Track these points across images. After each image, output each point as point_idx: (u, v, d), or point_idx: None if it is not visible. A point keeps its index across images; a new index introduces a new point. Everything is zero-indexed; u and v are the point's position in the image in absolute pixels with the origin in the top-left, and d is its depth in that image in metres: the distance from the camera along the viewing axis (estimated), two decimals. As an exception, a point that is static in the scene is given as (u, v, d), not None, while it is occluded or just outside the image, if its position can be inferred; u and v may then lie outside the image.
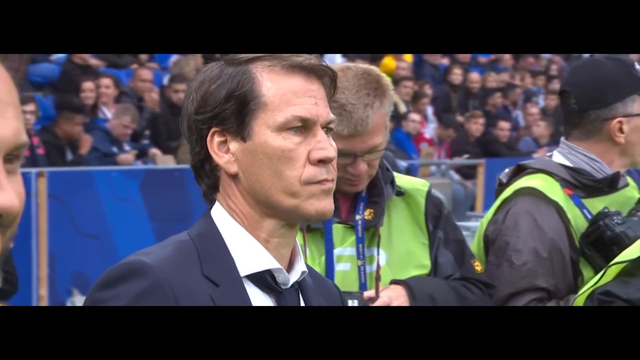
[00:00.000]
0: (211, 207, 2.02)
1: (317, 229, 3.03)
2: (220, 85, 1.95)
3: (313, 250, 3.03)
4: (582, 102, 3.29)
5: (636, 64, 3.38)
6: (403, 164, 10.39)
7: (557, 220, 3.23)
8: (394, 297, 2.99)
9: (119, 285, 1.87)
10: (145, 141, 11.40)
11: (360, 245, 3.06)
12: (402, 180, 3.20)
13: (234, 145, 1.96)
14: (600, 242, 3.18)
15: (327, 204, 1.95)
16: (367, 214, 3.07)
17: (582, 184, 3.30)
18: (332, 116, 1.98)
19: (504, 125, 14.31)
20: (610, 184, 3.32)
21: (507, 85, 16.03)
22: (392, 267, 3.08)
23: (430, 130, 14.08)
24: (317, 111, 1.94)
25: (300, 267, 2.01)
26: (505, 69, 17.07)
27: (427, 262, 3.13)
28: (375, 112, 2.95)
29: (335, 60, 14.77)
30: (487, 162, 12.63)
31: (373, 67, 3.10)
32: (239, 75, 1.95)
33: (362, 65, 3.12)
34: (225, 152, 1.97)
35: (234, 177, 1.98)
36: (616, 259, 2.43)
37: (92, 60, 12.54)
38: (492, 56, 17.22)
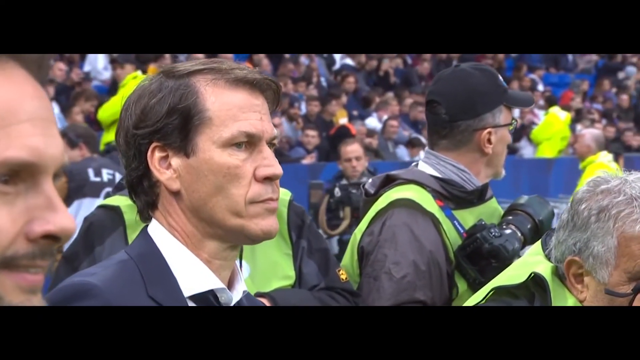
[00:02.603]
0: (147, 226, 1.95)
1: None
2: (162, 99, 1.89)
3: None
4: (453, 112, 3.29)
5: (499, 75, 3.43)
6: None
7: (434, 232, 3.22)
8: None
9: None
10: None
11: None
12: None
13: (176, 161, 1.89)
14: (477, 254, 3.19)
15: (272, 223, 1.90)
16: None
17: (452, 195, 3.30)
18: (276, 132, 1.94)
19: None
20: (479, 196, 3.35)
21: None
22: (256, 279, 3.02)
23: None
24: (262, 126, 1.89)
25: (241, 287, 1.96)
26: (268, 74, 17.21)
27: (292, 272, 3.09)
28: None
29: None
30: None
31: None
32: (181, 89, 1.89)
33: None
34: (166, 168, 1.90)
35: (176, 194, 1.91)
36: (500, 282, 2.44)
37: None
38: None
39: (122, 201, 3.02)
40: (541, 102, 19.00)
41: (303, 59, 18.46)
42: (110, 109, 10.66)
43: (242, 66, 1.93)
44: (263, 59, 17.45)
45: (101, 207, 3.12)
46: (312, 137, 14.71)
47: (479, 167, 3.34)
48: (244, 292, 1.97)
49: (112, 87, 12.73)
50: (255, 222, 1.88)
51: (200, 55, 15.18)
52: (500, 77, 3.40)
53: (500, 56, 21.49)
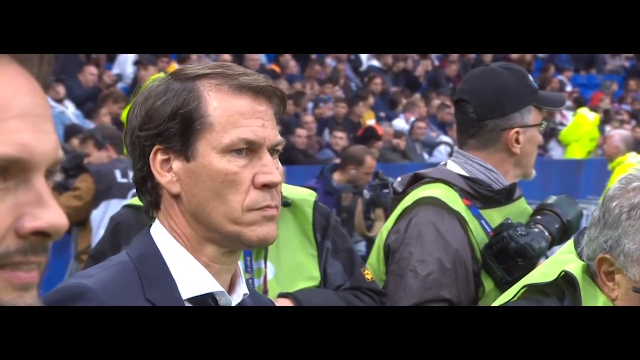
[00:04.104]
0: (151, 225, 1.96)
1: None
2: (166, 101, 1.89)
3: None
4: (481, 111, 3.28)
5: (529, 75, 3.42)
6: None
7: (459, 230, 3.21)
8: None
9: None
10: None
11: (248, 258, 3.00)
12: (288, 190, 3.13)
13: (177, 165, 1.90)
14: (504, 253, 3.18)
15: (269, 230, 1.89)
16: None
17: (479, 194, 3.29)
18: (279, 138, 1.93)
19: (300, 132, 14.41)
20: (507, 195, 3.34)
21: (298, 92, 16.19)
22: (280, 279, 3.02)
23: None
24: (263, 133, 1.88)
25: (242, 290, 1.96)
26: (295, 76, 17.24)
27: (317, 273, 3.08)
28: None
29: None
30: (287, 169, 12.68)
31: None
32: (185, 93, 1.89)
33: None
34: (167, 171, 1.91)
35: (176, 197, 1.91)
36: (532, 280, 2.43)
37: None
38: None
39: None
40: (569, 103, 18.92)
41: (330, 60, 18.47)
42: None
43: (249, 72, 1.93)
44: (290, 61, 17.47)
45: (127, 206, 3.14)
46: (340, 138, 14.69)
47: (507, 167, 3.33)
48: (244, 294, 1.96)
49: (132, 89, 12.74)
50: (251, 229, 1.87)
51: (227, 56, 15.29)
52: (531, 78, 3.39)
53: (529, 57, 21.41)
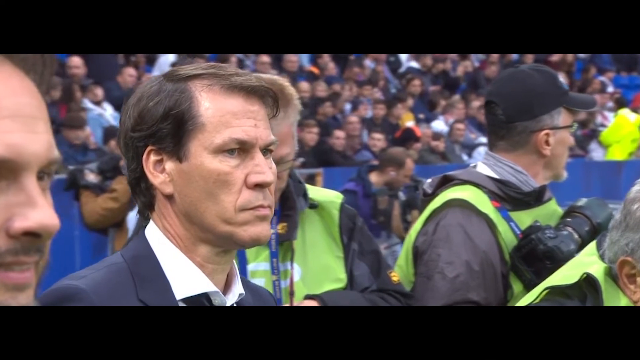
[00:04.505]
0: (145, 226, 1.97)
1: None
2: (158, 102, 1.89)
3: None
4: (510, 113, 3.27)
5: (559, 76, 3.40)
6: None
7: (488, 233, 3.21)
8: None
9: None
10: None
11: (274, 260, 3.00)
12: (315, 192, 3.14)
13: (169, 165, 1.90)
14: (532, 255, 3.17)
15: (262, 230, 1.89)
16: (280, 227, 3.01)
17: (509, 197, 3.28)
18: (272, 138, 1.92)
19: (338, 133, 14.41)
20: (537, 197, 3.33)
21: (335, 94, 16.20)
22: (307, 281, 3.03)
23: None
24: (256, 133, 1.89)
25: (237, 289, 1.96)
26: (333, 78, 17.25)
27: (343, 275, 3.09)
28: (280, 123, 2.88)
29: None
30: (325, 171, 12.68)
31: (277, 77, 3.03)
32: (177, 94, 1.89)
33: (265, 75, 3.04)
34: (160, 172, 1.91)
35: (169, 197, 1.91)
36: (554, 282, 2.42)
37: None
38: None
39: None
40: (610, 104, 18.76)
41: (368, 62, 18.46)
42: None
43: (241, 72, 1.93)
44: (329, 62, 17.48)
45: None
46: (378, 140, 14.67)
47: (537, 169, 3.32)
48: (240, 294, 1.96)
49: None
50: (244, 229, 1.87)
51: (266, 57, 15.34)
52: (561, 79, 3.37)
53: (570, 58, 21.27)
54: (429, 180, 3.45)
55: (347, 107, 16.21)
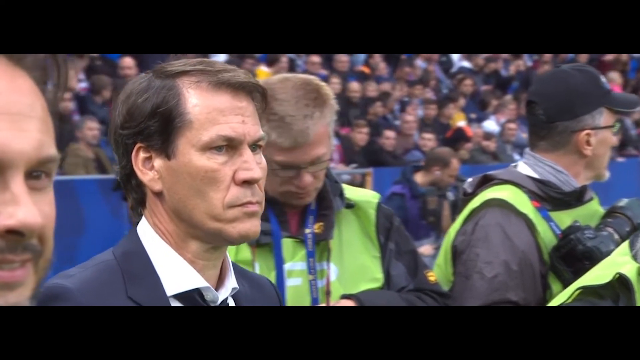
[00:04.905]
0: (137, 223, 1.97)
1: (266, 244, 2.96)
2: (146, 99, 1.89)
3: (262, 266, 2.96)
4: (551, 113, 3.26)
5: (602, 76, 3.38)
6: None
7: (527, 233, 3.20)
8: None
9: None
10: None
11: (311, 260, 3.01)
12: (351, 192, 3.14)
13: (158, 163, 1.90)
14: (571, 256, 3.15)
15: (250, 226, 1.89)
16: (317, 227, 3.02)
17: (549, 197, 3.27)
18: (261, 133, 1.92)
19: (388, 134, 14.40)
20: (578, 197, 3.31)
21: (385, 94, 16.19)
22: (344, 281, 3.03)
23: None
24: (243, 130, 1.88)
25: (230, 284, 1.95)
26: (384, 78, 17.25)
27: (380, 275, 3.09)
28: (316, 123, 2.89)
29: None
30: (375, 171, 12.69)
31: (313, 77, 3.04)
32: (164, 91, 1.89)
33: (301, 75, 3.06)
34: (149, 169, 1.91)
35: (159, 194, 1.92)
36: (586, 282, 2.41)
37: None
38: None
39: None
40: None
41: (420, 62, 18.42)
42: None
43: (230, 68, 1.92)
44: (380, 63, 17.47)
45: None
46: (428, 140, 14.65)
47: (578, 169, 3.30)
48: (233, 289, 1.96)
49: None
50: (233, 225, 1.87)
51: (316, 58, 15.36)
52: (603, 79, 3.35)
53: (625, 57, 21.06)
54: (470, 180, 3.45)
55: (397, 107, 16.18)
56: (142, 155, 1.90)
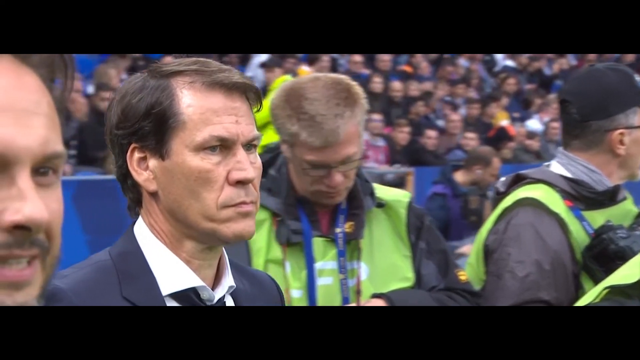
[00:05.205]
0: (134, 222, 1.98)
1: (297, 243, 2.97)
2: (141, 99, 1.90)
3: (293, 265, 2.98)
4: (584, 112, 3.25)
5: (636, 75, 3.36)
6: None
7: (559, 232, 3.19)
8: None
9: None
10: (72, 151, 11.17)
11: (342, 259, 3.02)
12: (382, 191, 3.15)
13: (152, 163, 1.91)
14: (604, 255, 3.14)
15: (245, 226, 1.90)
16: (348, 226, 3.03)
17: (582, 196, 3.26)
18: (255, 133, 1.92)
19: (430, 133, 14.37)
20: (611, 197, 3.30)
21: (427, 93, 16.16)
22: (374, 280, 3.04)
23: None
24: (237, 130, 1.89)
25: (227, 282, 1.96)
26: (426, 77, 17.22)
27: (410, 274, 3.10)
28: (347, 122, 2.90)
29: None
30: (416, 170, 12.67)
31: (344, 77, 3.05)
32: (158, 91, 1.90)
33: (332, 75, 3.07)
34: (144, 169, 1.92)
35: (154, 194, 1.93)
36: (613, 281, 2.40)
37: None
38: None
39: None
40: None
41: (463, 61, 18.35)
42: (260, 112, 10.81)
43: (224, 68, 1.93)
44: (422, 62, 17.43)
45: None
46: (471, 139, 14.59)
47: (612, 168, 3.29)
48: (230, 287, 1.96)
49: (262, 92, 12.82)
50: (227, 225, 1.88)
51: (358, 57, 15.33)
52: (638, 78, 3.33)
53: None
54: (502, 179, 3.45)
55: (439, 106, 16.14)
56: (136, 155, 1.92)
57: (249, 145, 1.92)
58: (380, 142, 13.89)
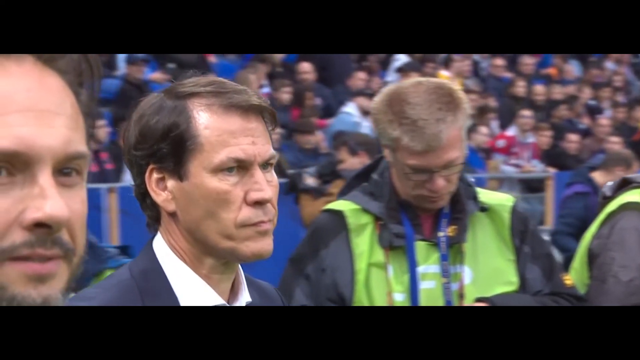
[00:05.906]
0: (153, 238, 2.01)
1: (400, 247, 3.00)
2: (158, 121, 1.93)
3: (396, 269, 3.00)
4: None
5: None
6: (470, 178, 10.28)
7: None
8: None
9: None
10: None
11: (445, 263, 3.03)
12: (486, 195, 3.15)
13: (171, 184, 1.93)
14: None
15: (263, 245, 1.92)
16: (450, 230, 3.03)
17: (690, 200, 3.20)
18: (271, 152, 1.94)
19: (572, 137, 14.13)
20: None
21: (572, 97, 15.88)
22: (478, 284, 3.04)
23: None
24: (254, 150, 1.91)
25: (244, 298, 1.99)
26: (570, 80, 16.91)
27: (514, 278, 3.08)
28: (449, 127, 2.90)
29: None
30: (556, 175, 12.48)
31: (446, 81, 3.05)
32: (175, 113, 1.92)
33: (434, 79, 3.08)
34: (162, 190, 1.95)
35: (173, 214, 1.95)
36: None
37: (153, 75, 12.69)
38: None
39: (346, 205, 3.11)
40: None
41: (609, 64, 17.96)
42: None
43: (240, 89, 1.95)
44: (567, 65, 17.13)
45: (326, 211, 3.24)
46: (615, 143, 14.26)
47: None
48: (247, 302, 1.99)
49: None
50: (246, 244, 1.91)
51: (500, 60, 15.17)
52: None
53: None
54: (610, 183, 3.41)
55: (583, 110, 15.84)
56: (155, 176, 1.94)
57: (266, 165, 1.94)
58: (530, 139, 13.77)
